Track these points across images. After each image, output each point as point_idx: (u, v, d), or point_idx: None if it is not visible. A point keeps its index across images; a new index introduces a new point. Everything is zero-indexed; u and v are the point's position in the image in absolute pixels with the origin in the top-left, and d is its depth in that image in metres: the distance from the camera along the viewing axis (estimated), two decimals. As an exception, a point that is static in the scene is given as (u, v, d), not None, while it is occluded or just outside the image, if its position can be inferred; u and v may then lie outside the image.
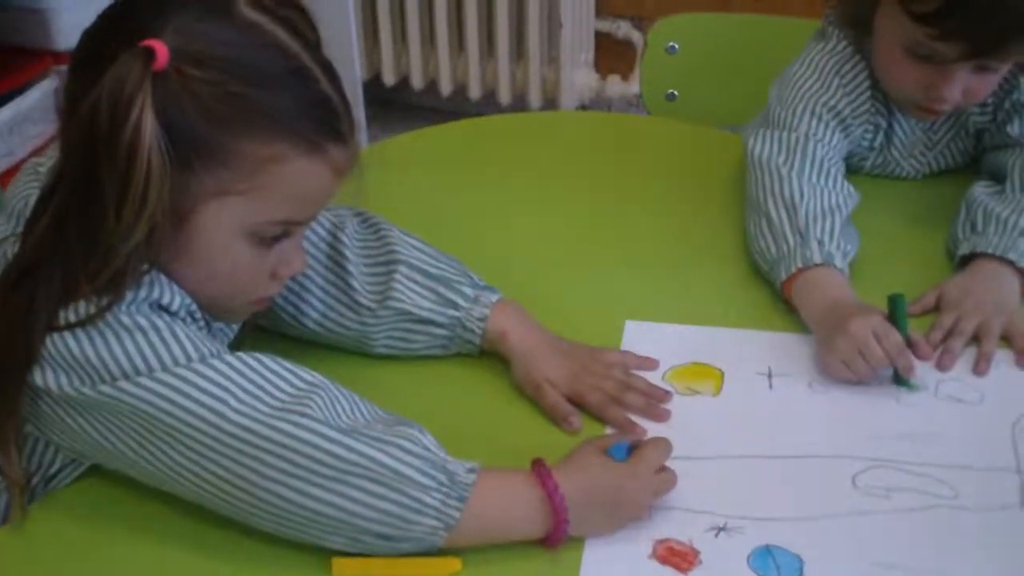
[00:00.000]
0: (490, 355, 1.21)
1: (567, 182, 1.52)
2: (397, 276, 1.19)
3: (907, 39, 1.30)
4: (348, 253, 1.20)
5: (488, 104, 2.92)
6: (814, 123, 1.38)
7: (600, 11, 2.92)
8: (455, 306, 1.19)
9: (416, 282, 1.19)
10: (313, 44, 1.01)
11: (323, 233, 1.20)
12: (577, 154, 1.60)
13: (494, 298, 1.20)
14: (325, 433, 0.94)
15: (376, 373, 1.20)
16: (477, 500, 0.97)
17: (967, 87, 1.32)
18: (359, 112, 2.75)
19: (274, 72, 0.96)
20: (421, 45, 2.91)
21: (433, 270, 1.20)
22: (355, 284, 1.19)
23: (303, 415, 0.94)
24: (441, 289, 1.19)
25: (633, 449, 1.05)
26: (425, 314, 1.19)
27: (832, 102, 1.40)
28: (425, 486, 0.95)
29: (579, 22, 2.84)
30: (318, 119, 0.99)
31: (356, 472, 0.94)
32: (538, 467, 1.01)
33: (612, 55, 2.93)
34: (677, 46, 1.83)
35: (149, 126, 0.90)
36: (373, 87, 2.99)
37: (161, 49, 0.91)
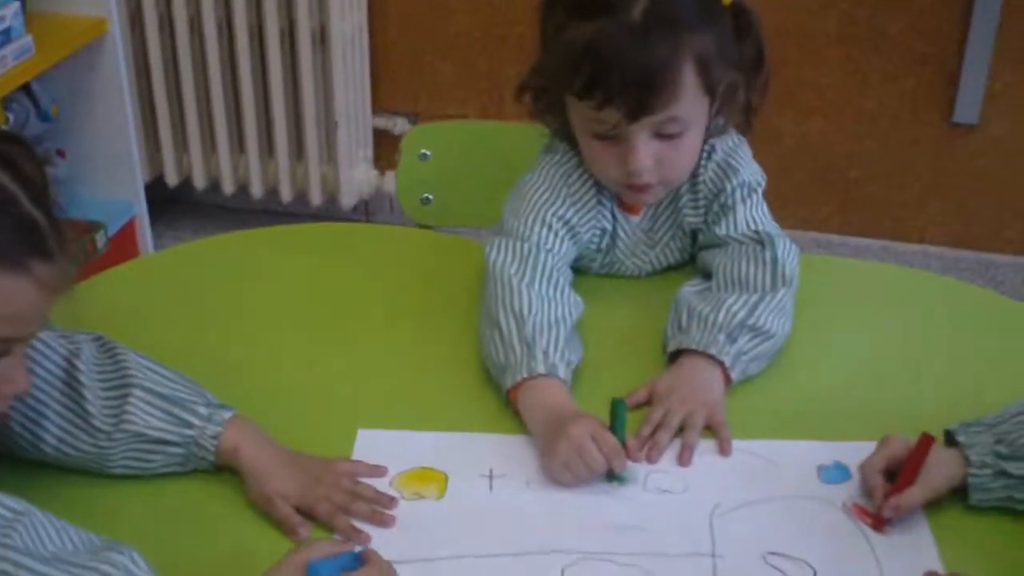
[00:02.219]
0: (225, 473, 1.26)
1: (315, 294, 1.58)
2: (131, 399, 1.23)
3: (588, 124, 1.41)
4: (83, 379, 1.24)
5: (270, 201, 2.98)
6: (545, 232, 1.47)
7: (376, 108, 3.01)
8: (189, 425, 1.24)
9: (150, 404, 1.24)
10: (25, 173, 1.05)
11: (58, 359, 1.24)
12: (326, 266, 1.66)
13: (227, 415, 1.25)
14: (21, 562, 0.97)
15: (115, 493, 1.24)
16: None
17: (660, 157, 1.41)
18: (141, 211, 2.79)
19: None
20: (202, 146, 2.96)
21: (167, 391, 1.25)
22: (90, 408, 1.23)
23: (3, 545, 0.97)
24: (175, 410, 1.24)
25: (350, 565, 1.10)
26: (159, 434, 1.23)
27: (561, 211, 1.49)
28: None
29: (356, 120, 2.92)
30: (18, 239, 1.03)
31: None
32: None
33: (390, 150, 3.02)
34: (429, 153, 1.92)
35: None
36: (157, 188, 3.03)
37: None
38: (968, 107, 2.71)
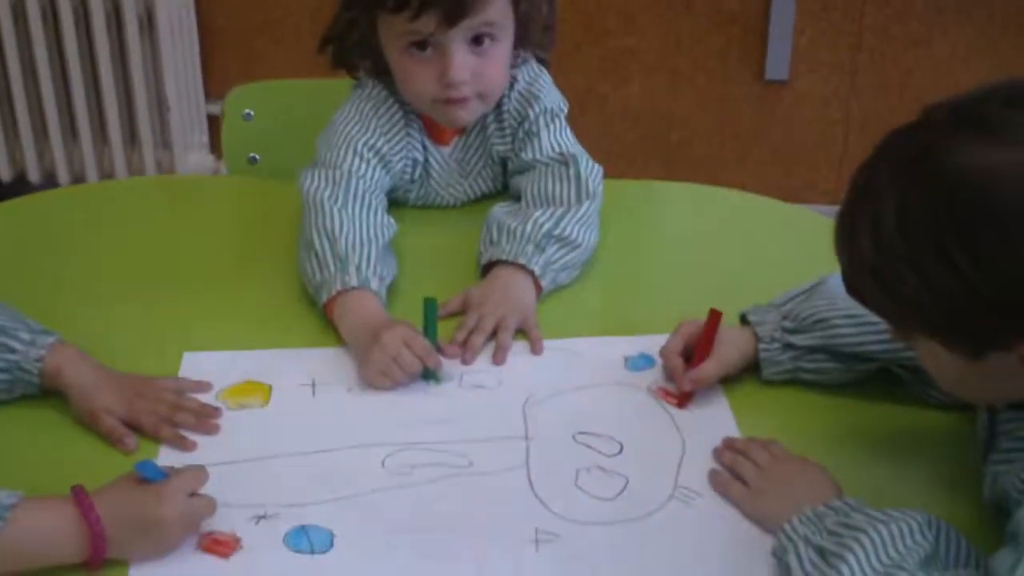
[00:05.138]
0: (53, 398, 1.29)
1: (143, 239, 1.61)
2: (-47, 326, 1.26)
3: (402, 41, 1.47)
4: (-98, 311, 1.26)
5: (107, 190, 2.98)
6: (356, 161, 1.53)
7: (210, 95, 3.03)
8: (12, 350, 1.26)
9: (-29, 332, 1.26)
10: None
11: None
12: (155, 214, 1.70)
13: (50, 340, 1.28)
14: None
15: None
16: (18, 520, 1.04)
17: (475, 70, 1.48)
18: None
19: None
20: (34, 138, 2.94)
21: (-10, 318, 1.28)
22: (-90, 340, 1.25)
23: None
24: (-2, 336, 1.27)
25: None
26: (-18, 360, 1.26)
27: (372, 141, 1.55)
28: None
29: (189, 105, 2.94)
30: None
31: None
32: (76, 491, 1.08)
33: (226, 135, 3.04)
34: (252, 112, 1.96)
35: None
36: (-10, 185, 3.01)
37: None
38: (778, 64, 2.84)
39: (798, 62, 2.86)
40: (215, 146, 3.07)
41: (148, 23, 2.83)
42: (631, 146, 3.02)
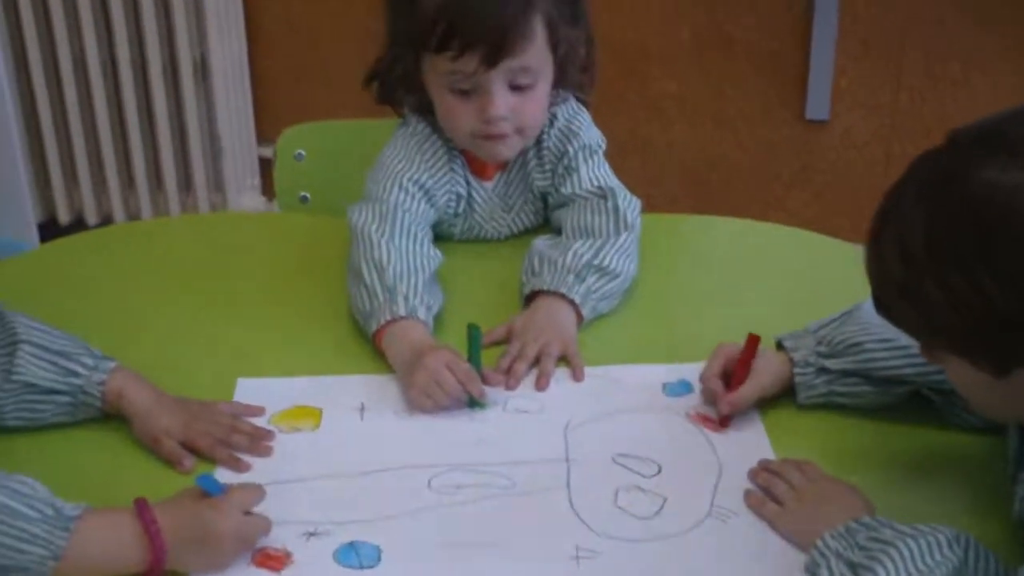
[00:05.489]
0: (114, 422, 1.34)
1: (199, 272, 1.67)
2: (20, 353, 1.32)
3: (445, 80, 1.53)
4: (-30, 339, 1.32)
5: (162, 233, 3.06)
6: (402, 195, 1.59)
7: (261, 139, 3.11)
8: (75, 374, 1.33)
9: (38, 356, 1.32)
10: None
11: (-52, 324, 1.33)
12: (210, 249, 1.75)
13: (111, 365, 1.34)
14: None
15: (9, 444, 1.32)
16: (82, 531, 1.09)
17: (514, 108, 1.54)
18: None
19: None
20: (92, 183, 3.04)
21: (54, 346, 1.34)
22: (-20, 366, 1.32)
23: None
24: (61, 361, 1.33)
25: None
26: (48, 384, 1.32)
27: (416, 176, 1.61)
28: (32, 518, 1.07)
29: (241, 149, 3.03)
30: None
31: None
32: (139, 503, 1.14)
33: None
34: (304, 152, 2.02)
35: None
36: (49, 227, 3.09)
37: None
38: (818, 104, 2.88)
39: (838, 102, 2.90)
40: (267, 188, 3.15)
41: (202, 70, 2.91)
42: (673, 188, 3.07)
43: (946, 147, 1.05)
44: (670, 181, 3.06)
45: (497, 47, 1.49)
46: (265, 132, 3.11)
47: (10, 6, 2.89)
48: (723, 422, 1.34)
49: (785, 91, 2.92)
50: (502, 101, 1.54)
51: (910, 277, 1.03)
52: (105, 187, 3.04)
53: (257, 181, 3.13)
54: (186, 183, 3.04)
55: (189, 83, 2.90)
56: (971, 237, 0.98)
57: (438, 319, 1.50)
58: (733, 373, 1.35)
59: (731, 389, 1.34)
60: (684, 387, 1.42)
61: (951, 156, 1.03)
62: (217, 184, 3.03)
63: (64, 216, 3.09)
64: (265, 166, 3.14)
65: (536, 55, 1.53)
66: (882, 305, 1.10)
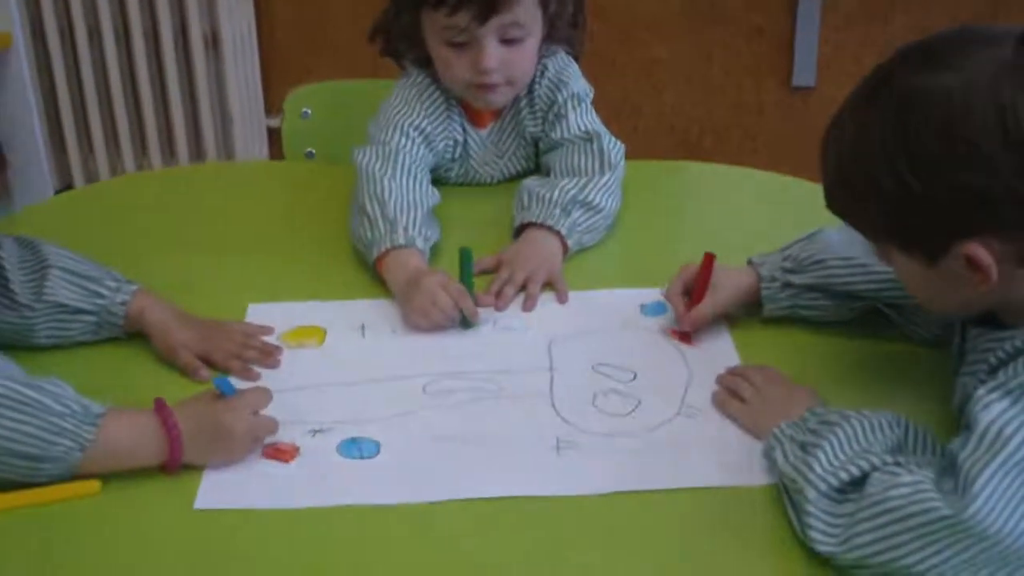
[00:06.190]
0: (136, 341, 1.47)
1: (212, 214, 1.80)
2: (49, 277, 1.44)
3: (442, 34, 1.66)
4: (6, 263, 1.44)
5: (174, 200, 3.18)
6: (403, 139, 1.71)
7: (269, 109, 3.23)
8: (100, 296, 1.45)
9: (66, 279, 1.44)
10: None
11: (-19, 251, 1.45)
12: (218, 195, 1.88)
13: (133, 287, 1.46)
14: None
15: (41, 359, 1.44)
16: (107, 426, 1.21)
17: (505, 59, 1.66)
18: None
19: None
20: (107, 151, 3.16)
21: (80, 270, 1.46)
22: (14, 287, 1.43)
23: None
24: (87, 283, 1.45)
25: None
26: (75, 304, 1.44)
27: (416, 121, 1.73)
28: (62, 412, 1.19)
29: (250, 120, 3.15)
30: None
31: (1, 403, 1.17)
32: (158, 402, 1.26)
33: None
34: (309, 111, 2.14)
35: None
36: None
37: None
38: (804, 71, 3.00)
39: (823, 68, 3.01)
40: (274, 157, 3.27)
41: (213, 43, 3.03)
42: (665, 154, 3.17)
43: (889, 59, 1.17)
44: (661, 145, 3.18)
45: (489, 4, 1.61)
46: (273, 103, 3.23)
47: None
48: (684, 337, 1.46)
49: (772, 58, 3.04)
50: (493, 53, 1.65)
51: (846, 172, 1.16)
52: (119, 155, 3.16)
53: (265, 150, 3.25)
54: (197, 151, 3.16)
55: (200, 55, 3.02)
56: (892, 129, 1.10)
57: (434, 251, 1.62)
58: (693, 290, 1.46)
59: (691, 305, 1.45)
60: (660, 308, 1.53)
61: (890, 66, 1.15)
62: (227, 153, 3.15)
63: (80, 183, 3.21)
64: (273, 135, 3.26)
65: (526, 11, 1.65)
66: (829, 203, 1.22)
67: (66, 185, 3.24)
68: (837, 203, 1.21)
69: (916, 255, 1.16)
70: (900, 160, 1.10)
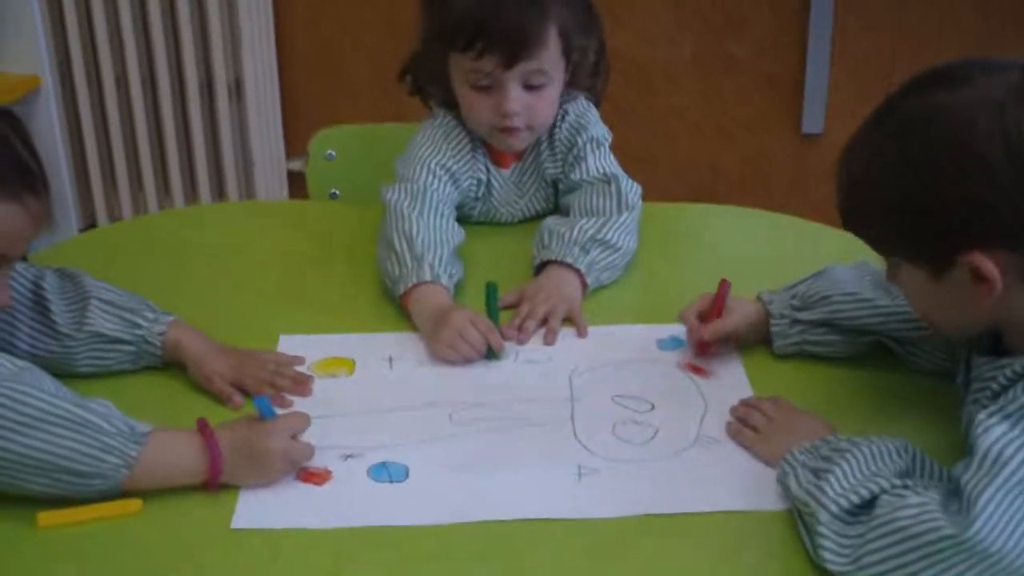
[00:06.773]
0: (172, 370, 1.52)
1: (242, 250, 1.86)
2: (90, 307, 1.50)
3: (468, 77, 1.73)
4: (49, 295, 1.50)
5: (196, 241, 3.26)
6: (430, 177, 1.78)
7: (290, 153, 3.31)
8: (138, 326, 1.51)
9: (106, 311, 1.51)
10: (18, 127, 1.34)
11: (27, 282, 1.50)
12: (250, 232, 1.95)
13: (170, 318, 1.53)
14: (29, 392, 1.23)
15: (80, 386, 1.49)
16: (152, 445, 1.27)
17: (527, 104, 1.73)
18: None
19: None
20: (131, 193, 3.23)
21: (120, 301, 1.52)
22: (56, 318, 1.49)
23: (16, 382, 1.24)
24: (126, 314, 1.51)
25: None
26: (115, 334, 1.50)
27: (443, 161, 1.80)
28: (111, 432, 1.25)
29: (272, 164, 3.22)
30: (15, 177, 1.32)
31: (52, 420, 1.23)
32: (200, 422, 1.32)
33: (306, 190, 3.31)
34: (334, 153, 2.21)
35: None
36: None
37: None
38: (813, 118, 3.07)
39: (832, 115, 3.08)
40: (294, 199, 3.33)
41: (236, 90, 3.11)
42: (679, 198, 3.23)
43: (900, 86, 1.23)
44: (674, 191, 3.23)
45: (514, 50, 1.68)
46: (294, 148, 3.30)
47: (57, 28, 3.10)
48: (701, 347, 1.52)
49: (782, 106, 3.11)
50: (516, 98, 1.72)
51: (857, 186, 1.23)
52: (143, 196, 3.24)
53: (285, 192, 3.32)
54: (219, 193, 3.23)
55: (224, 102, 3.10)
56: (900, 142, 1.17)
57: (458, 288, 1.68)
58: (708, 312, 1.53)
59: (704, 322, 1.53)
60: (676, 342, 1.59)
61: (900, 91, 1.22)
62: (248, 195, 3.22)
63: (102, 220, 3.28)
64: (293, 179, 3.33)
65: (549, 59, 1.72)
66: (842, 215, 1.28)
67: (90, 224, 3.31)
68: (850, 219, 1.27)
69: (923, 268, 1.22)
70: (907, 172, 1.17)
